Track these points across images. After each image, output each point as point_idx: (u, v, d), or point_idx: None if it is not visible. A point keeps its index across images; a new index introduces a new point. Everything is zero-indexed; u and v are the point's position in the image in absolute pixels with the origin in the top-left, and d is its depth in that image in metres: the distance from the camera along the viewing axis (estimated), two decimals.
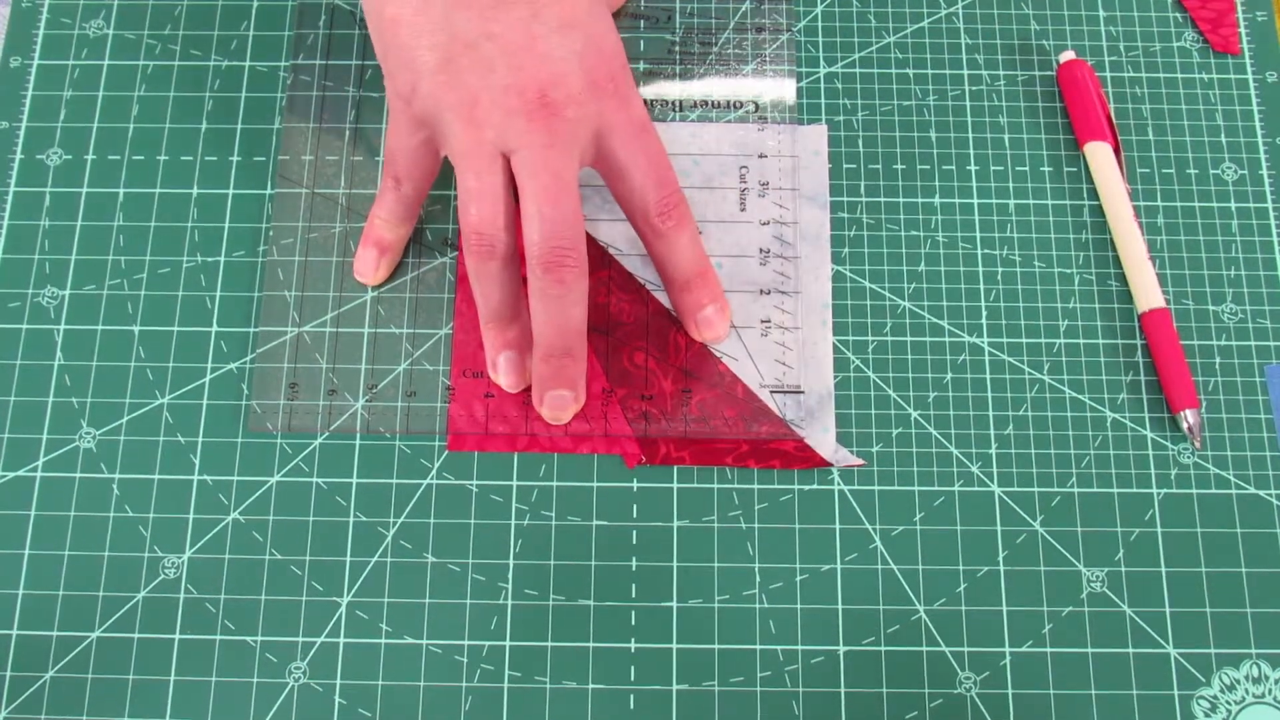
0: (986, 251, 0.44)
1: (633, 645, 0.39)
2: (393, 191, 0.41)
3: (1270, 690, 0.39)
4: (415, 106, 0.38)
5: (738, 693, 0.39)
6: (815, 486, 0.41)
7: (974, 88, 0.46)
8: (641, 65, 0.46)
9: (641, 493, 0.41)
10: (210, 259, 0.44)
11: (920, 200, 0.45)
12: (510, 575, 0.40)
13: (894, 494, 0.41)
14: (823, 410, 0.42)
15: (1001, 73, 0.47)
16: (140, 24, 0.47)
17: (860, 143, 0.45)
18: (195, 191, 0.45)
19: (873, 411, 0.42)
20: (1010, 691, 0.39)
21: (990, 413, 0.42)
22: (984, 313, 0.43)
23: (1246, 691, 0.39)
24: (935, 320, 0.43)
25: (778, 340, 0.42)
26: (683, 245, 0.40)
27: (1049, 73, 0.47)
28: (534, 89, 0.36)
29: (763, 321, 0.43)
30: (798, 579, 0.40)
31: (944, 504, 0.41)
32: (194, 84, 0.46)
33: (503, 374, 0.41)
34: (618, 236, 0.44)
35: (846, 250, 0.44)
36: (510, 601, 0.40)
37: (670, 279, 0.42)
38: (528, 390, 0.42)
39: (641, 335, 0.43)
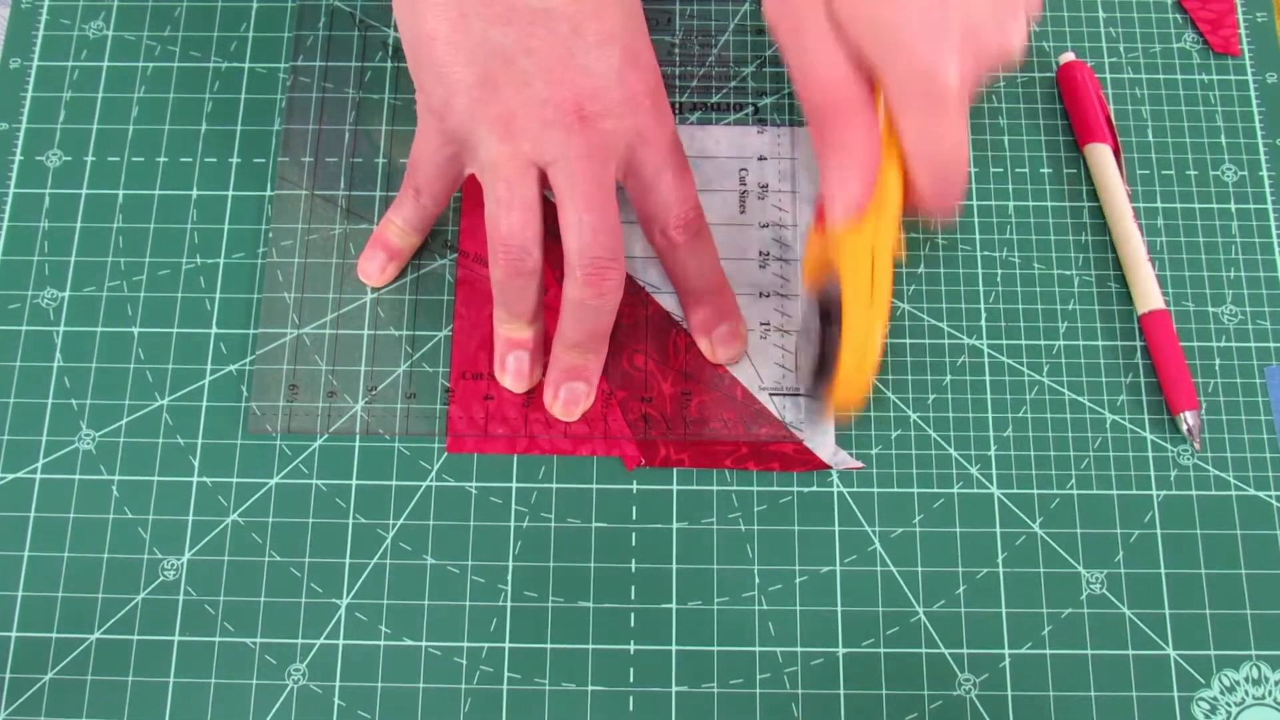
0: (986, 253, 0.44)
1: (632, 647, 0.39)
2: (412, 201, 0.41)
3: (1270, 692, 0.39)
4: (449, 122, 0.37)
5: (737, 694, 0.39)
6: (814, 488, 0.41)
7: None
8: None
9: (641, 495, 0.41)
10: (210, 261, 0.44)
11: None
12: (510, 577, 0.40)
13: (893, 496, 0.41)
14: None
15: (1001, 74, 0.46)
16: (140, 25, 0.47)
17: None
18: (195, 193, 0.45)
19: (872, 413, 0.42)
20: (1010, 693, 0.39)
21: (990, 414, 0.42)
22: (983, 314, 0.43)
23: (1246, 693, 0.39)
24: (935, 322, 0.43)
25: (777, 343, 0.42)
26: (697, 259, 0.41)
27: (1049, 74, 0.47)
28: (571, 102, 0.36)
29: (762, 324, 0.43)
30: (797, 581, 0.40)
31: (943, 506, 0.41)
32: (194, 85, 0.46)
33: (510, 374, 0.41)
34: None
35: None
36: (509, 603, 0.40)
37: (684, 294, 0.42)
38: (528, 392, 0.42)
39: (641, 338, 0.43)
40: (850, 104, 0.36)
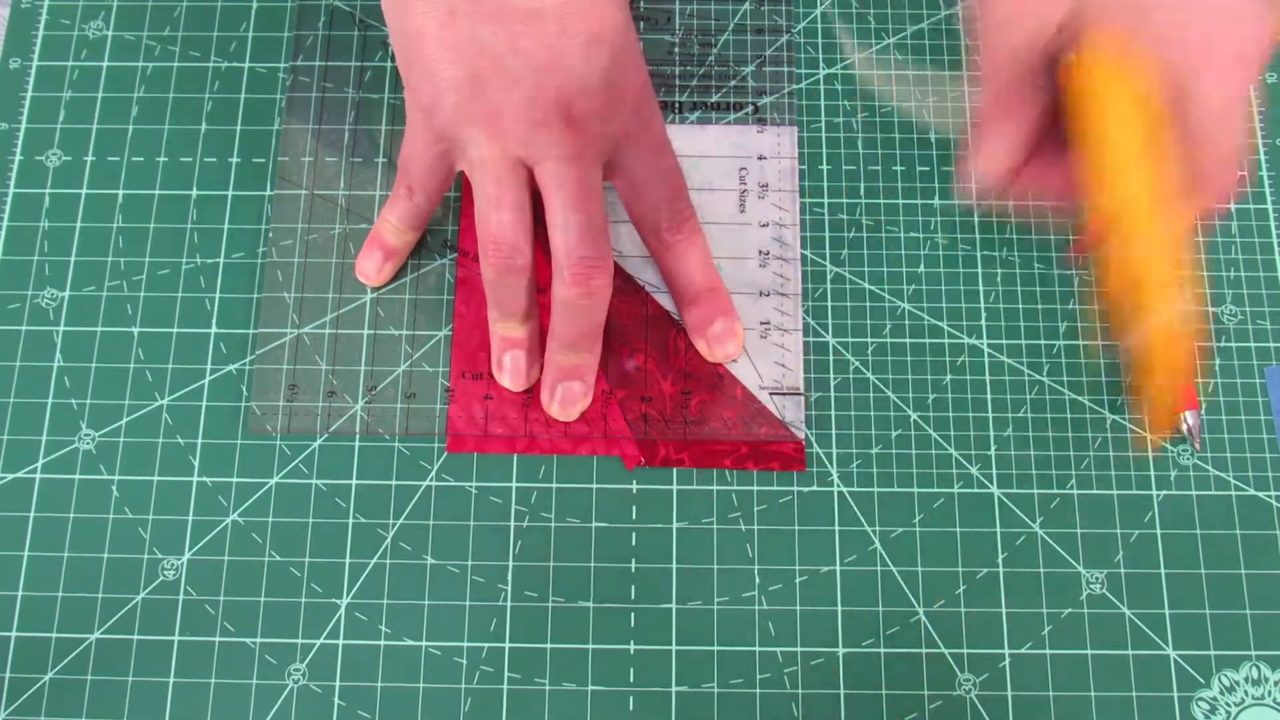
0: (986, 253, 0.44)
1: (632, 647, 0.39)
2: (405, 199, 0.41)
3: (1270, 692, 0.39)
4: (437, 120, 0.37)
5: (737, 694, 0.39)
6: (814, 488, 0.41)
7: (974, 89, 0.46)
8: None
9: (641, 494, 0.41)
10: (209, 260, 0.44)
11: (920, 202, 0.45)
12: (509, 577, 0.40)
13: (893, 495, 0.41)
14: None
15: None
16: (140, 25, 0.47)
17: (860, 144, 0.45)
18: (194, 193, 0.45)
19: (872, 413, 0.42)
20: (1010, 693, 0.39)
21: (989, 414, 0.42)
22: (983, 314, 0.43)
23: (1246, 693, 0.39)
24: (934, 322, 0.43)
25: (777, 342, 0.42)
26: (690, 259, 0.41)
27: None
28: (559, 103, 0.36)
29: (762, 323, 0.43)
30: (797, 580, 0.40)
31: (943, 505, 0.41)
32: (193, 85, 0.46)
33: (507, 373, 0.41)
34: (616, 238, 0.44)
35: (846, 252, 0.44)
36: (509, 603, 0.40)
37: (678, 293, 0.42)
38: (527, 391, 0.42)
39: (641, 337, 0.43)
40: (1032, 94, 0.37)
